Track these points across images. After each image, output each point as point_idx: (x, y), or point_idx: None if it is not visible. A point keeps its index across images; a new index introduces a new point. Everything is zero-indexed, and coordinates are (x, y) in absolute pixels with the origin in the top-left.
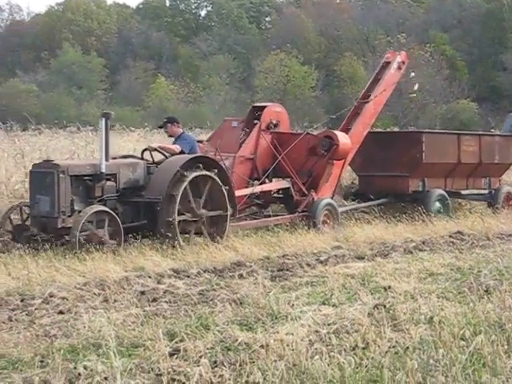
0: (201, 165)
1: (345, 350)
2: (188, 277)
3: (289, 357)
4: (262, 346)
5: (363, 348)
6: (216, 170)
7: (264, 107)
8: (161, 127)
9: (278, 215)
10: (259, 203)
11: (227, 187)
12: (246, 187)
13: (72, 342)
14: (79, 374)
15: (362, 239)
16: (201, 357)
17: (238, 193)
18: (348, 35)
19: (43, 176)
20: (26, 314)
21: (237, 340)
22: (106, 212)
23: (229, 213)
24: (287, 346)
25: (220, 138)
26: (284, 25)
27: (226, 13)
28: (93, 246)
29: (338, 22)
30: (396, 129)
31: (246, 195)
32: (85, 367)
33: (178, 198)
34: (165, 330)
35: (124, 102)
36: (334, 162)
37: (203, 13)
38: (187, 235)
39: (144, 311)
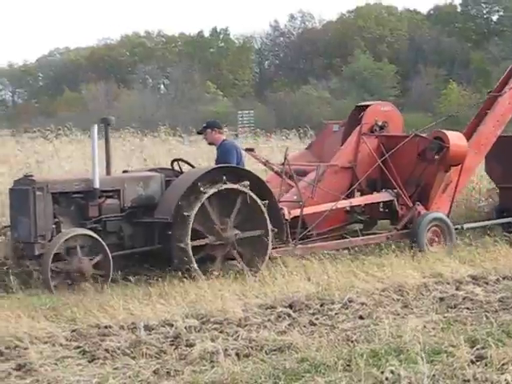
0: (225, 177)
1: None
2: (487, 284)
3: None
4: None
5: None
6: (247, 182)
7: (367, 106)
8: (200, 133)
9: (375, 233)
10: (362, 220)
11: (267, 202)
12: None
13: (373, 346)
14: (386, 379)
15: None
16: (504, 364)
17: (314, 209)
18: None
19: (20, 194)
20: (327, 319)
21: None
22: (89, 236)
23: (270, 232)
24: None
25: (320, 145)
26: None
27: None
28: (69, 279)
29: None
30: None
31: (337, 210)
32: (391, 372)
33: (192, 219)
34: (466, 337)
35: (415, 109)
36: (450, 168)
37: (495, 18)
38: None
39: (444, 317)
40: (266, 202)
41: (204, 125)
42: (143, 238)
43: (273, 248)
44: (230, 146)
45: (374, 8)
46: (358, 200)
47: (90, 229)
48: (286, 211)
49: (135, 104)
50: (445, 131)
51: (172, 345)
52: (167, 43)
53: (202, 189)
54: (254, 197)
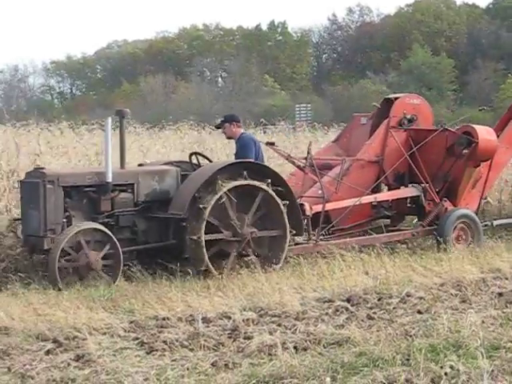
0: (245, 173)
1: None
2: None
3: None
4: None
5: None
6: (269, 180)
7: (396, 99)
8: (218, 127)
9: (400, 230)
10: (389, 215)
11: (287, 202)
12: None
13: (432, 341)
14: (445, 374)
15: None
16: None
17: (337, 204)
18: None
19: (30, 187)
20: (385, 313)
21: None
22: (100, 231)
23: (288, 234)
24: None
25: (348, 138)
26: None
27: None
28: (78, 274)
29: None
30: None
31: (363, 205)
32: (451, 367)
33: (207, 213)
34: None
35: (474, 103)
36: (480, 163)
37: None
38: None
39: (503, 313)
40: (287, 202)
41: (222, 119)
42: (157, 234)
43: (293, 245)
44: (248, 139)
45: (433, 2)
46: (384, 195)
47: (102, 223)
48: (307, 207)
49: (193, 97)
50: (474, 126)
51: (230, 337)
52: (225, 36)
53: (220, 182)
54: (275, 196)
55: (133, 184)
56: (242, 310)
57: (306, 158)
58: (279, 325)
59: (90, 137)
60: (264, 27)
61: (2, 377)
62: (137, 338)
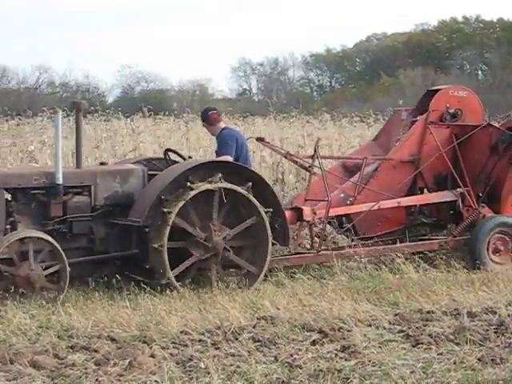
0: (220, 174)
1: None
2: None
3: None
4: None
5: None
6: (249, 184)
7: (437, 91)
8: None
9: (429, 239)
10: (427, 223)
11: (271, 209)
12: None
13: None
14: None
15: None
16: None
17: (344, 209)
18: None
19: None
20: None
21: None
22: (43, 240)
23: (269, 247)
24: None
25: (388, 135)
26: None
27: None
28: (15, 288)
29: None
30: None
31: (396, 211)
32: None
33: (172, 217)
34: None
35: None
36: None
37: None
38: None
39: None
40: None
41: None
42: (118, 242)
43: (289, 254)
44: (228, 135)
45: None
46: (408, 200)
47: (53, 230)
48: (307, 211)
49: None
50: None
51: (496, 332)
52: (485, 29)
53: (188, 185)
54: (251, 199)
55: (90, 186)
56: (507, 304)
57: (312, 157)
58: None
59: (350, 129)
60: None
61: (269, 365)
62: (402, 331)
